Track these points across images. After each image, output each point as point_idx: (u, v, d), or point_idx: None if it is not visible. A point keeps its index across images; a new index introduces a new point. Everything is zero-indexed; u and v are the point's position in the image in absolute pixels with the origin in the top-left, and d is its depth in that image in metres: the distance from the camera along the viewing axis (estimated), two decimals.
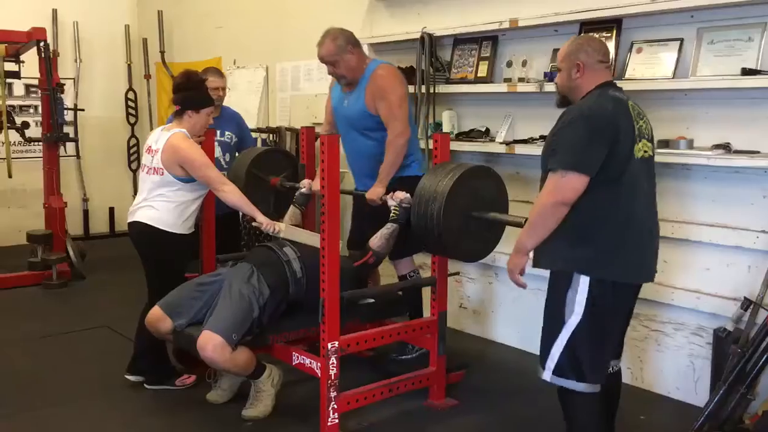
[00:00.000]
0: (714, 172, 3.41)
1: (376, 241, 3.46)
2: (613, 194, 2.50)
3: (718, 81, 3.27)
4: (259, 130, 6.03)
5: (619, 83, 3.54)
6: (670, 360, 3.65)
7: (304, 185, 3.88)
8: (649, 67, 3.56)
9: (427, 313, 3.64)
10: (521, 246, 2.65)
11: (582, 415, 2.62)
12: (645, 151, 2.60)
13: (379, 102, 3.68)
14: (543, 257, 2.64)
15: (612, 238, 2.51)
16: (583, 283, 2.51)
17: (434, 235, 3.04)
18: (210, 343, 3.10)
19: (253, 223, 3.58)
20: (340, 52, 3.68)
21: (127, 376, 3.74)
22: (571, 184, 2.47)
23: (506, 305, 4.41)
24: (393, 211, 3.44)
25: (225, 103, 4.74)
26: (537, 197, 2.58)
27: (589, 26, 3.81)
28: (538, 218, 2.56)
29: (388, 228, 3.45)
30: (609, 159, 2.47)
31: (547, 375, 2.61)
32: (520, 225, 2.86)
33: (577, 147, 2.47)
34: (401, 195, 3.40)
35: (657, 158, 3.36)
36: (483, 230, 3.16)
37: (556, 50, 3.99)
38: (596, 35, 3.76)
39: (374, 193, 3.63)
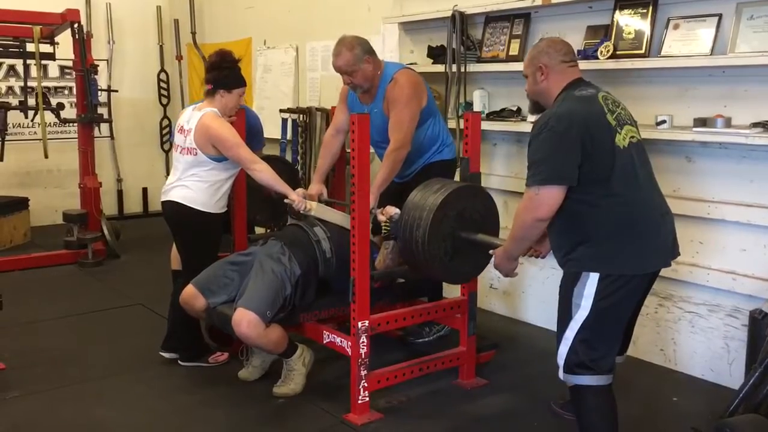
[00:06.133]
0: (752, 151, 3.33)
1: (381, 263, 3.47)
2: (608, 190, 2.46)
3: (757, 57, 3.18)
4: (289, 110, 6.04)
5: (654, 60, 3.54)
6: (704, 342, 3.60)
7: (297, 194, 3.77)
8: (686, 44, 3.48)
9: (456, 293, 3.64)
10: (510, 254, 2.72)
11: (594, 415, 2.58)
12: (632, 137, 2.55)
13: (391, 110, 3.63)
14: (556, 256, 2.64)
15: (615, 233, 2.47)
16: (591, 278, 2.49)
17: (421, 260, 3.03)
18: (245, 320, 3.14)
19: (285, 200, 3.59)
20: (358, 62, 3.60)
21: (161, 353, 3.81)
22: (545, 200, 2.45)
23: (536, 286, 4.38)
24: (384, 228, 3.42)
25: (262, 85, 4.67)
26: (516, 210, 2.58)
27: (624, 2, 3.74)
28: (519, 234, 2.60)
29: (386, 247, 3.47)
30: (592, 159, 2.44)
31: (560, 373, 2.60)
32: None
33: (547, 160, 2.45)
34: (391, 210, 3.34)
35: (695, 137, 3.37)
36: (473, 250, 3.10)
37: (590, 27, 3.93)
38: (630, 11, 3.70)
39: None
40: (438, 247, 3.00)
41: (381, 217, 3.40)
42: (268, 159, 4.27)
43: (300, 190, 3.78)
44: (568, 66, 2.67)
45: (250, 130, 4.30)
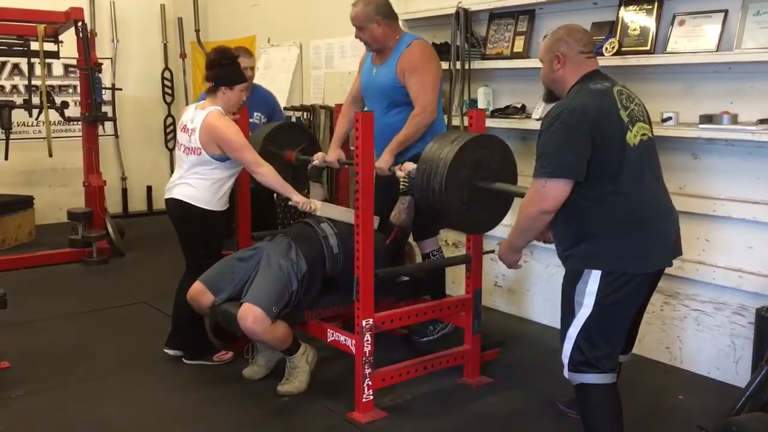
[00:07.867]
0: (759, 147, 3.31)
1: (396, 216, 3.44)
2: (614, 187, 2.45)
3: (763, 54, 3.16)
4: (293, 108, 6.04)
5: (660, 57, 3.52)
6: (710, 340, 3.59)
7: (318, 158, 3.88)
8: (691, 40, 3.46)
9: (461, 291, 3.63)
10: (514, 245, 2.73)
11: (598, 413, 2.56)
12: (643, 134, 2.53)
13: (410, 77, 3.61)
14: (558, 249, 2.63)
15: (619, 231, 2.46)
16: (594, 275, 2.48)
17: (438, 209, 2.99)
18: (250, 315, 3.15)
19: (290, 203, 3.59)
20: (367, 21, 3.64)
21: (165, 350, 3.81)
22: (551, 193, 2.43)
23: (541, 284, 4.37)
24: (402, 183, 3.39)
25: (260, 81, 4.73)
26: (522, 202, 2.57)
27: None
28: (524, 225, 2.60)
29: (403, 202, 3.43)
30: (601, 155, 2.42)
31: (564, 372, 2.59)
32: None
33: (557, 153, 2.43)
34: (410, 166, 3.33)
35: (701, 134, 3.35)
36: (490, 200, 3.07)
37: (595, 24, 3.91)
38: (635, 8, 3.68)
39: (383, 161, 3.52)
40: (455, 195, 2.94)
41: (399, 173, 3.39)
42: (285, 125, 4.40)
43: (320, 154, 3.87)
44: (586, 57, 2.62)
45: (268, 104, 4.51)
